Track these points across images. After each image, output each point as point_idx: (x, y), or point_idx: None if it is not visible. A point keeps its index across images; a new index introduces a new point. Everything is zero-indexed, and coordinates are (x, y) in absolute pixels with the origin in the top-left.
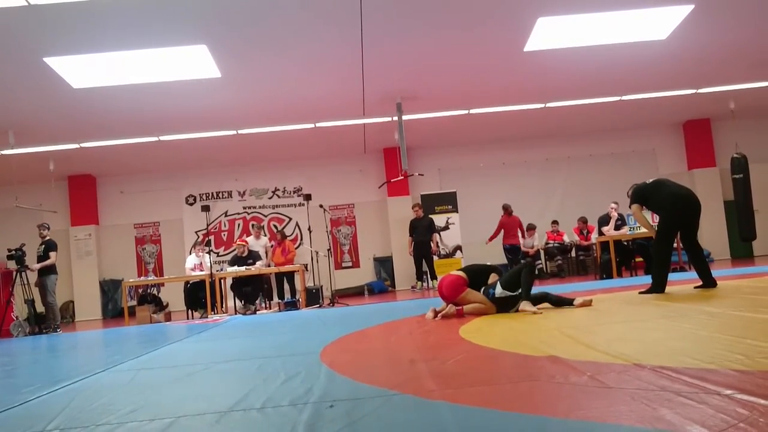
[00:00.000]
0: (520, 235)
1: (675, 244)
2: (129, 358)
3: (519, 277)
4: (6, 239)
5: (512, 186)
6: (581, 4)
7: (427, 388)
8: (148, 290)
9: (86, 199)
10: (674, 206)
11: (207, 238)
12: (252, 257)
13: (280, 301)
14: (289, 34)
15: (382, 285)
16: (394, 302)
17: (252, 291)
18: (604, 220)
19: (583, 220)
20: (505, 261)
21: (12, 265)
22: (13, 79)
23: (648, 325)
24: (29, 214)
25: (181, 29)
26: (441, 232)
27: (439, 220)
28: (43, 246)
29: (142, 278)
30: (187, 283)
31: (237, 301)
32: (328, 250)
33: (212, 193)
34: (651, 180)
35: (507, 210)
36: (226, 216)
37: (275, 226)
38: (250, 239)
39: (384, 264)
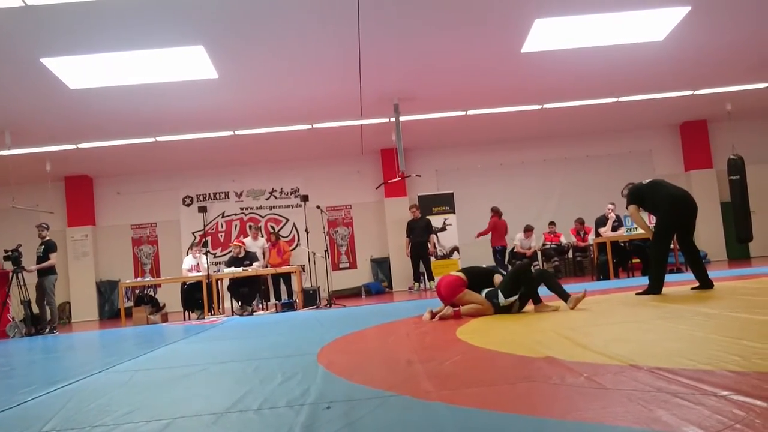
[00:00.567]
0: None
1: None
2: (126, 359)
3: (516, 280)
4: (2, 240)
5: (510, 187)
6: (578, 5)
7: (424, 389)
8: (145, 291)
9: (83, 200)
10: (671, 207)
11: (204, 239)
12: (249, 258)
13: (277, 302)
14: (286, 35)
15: (380, 286)
16: (391, 303)
17: (249, 292)
18: (601, 222)
19: (580, 221)
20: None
21: (8, 266)
22: (10, 79)
23: (644, 326)
24: (26, 214)
25: (178, 30)
26: (438, 233)
27: (436, 221)
28: (43, 246)
29: (139, 279)
30: (184, 284)
31: (234, 302)
32: (325, 251)
33: (209, 194)
34: (647, 181)
35: (498, 212)
36: (223, 217)
37: (272, 227)
38: (247, 240)
39: (381, 265)
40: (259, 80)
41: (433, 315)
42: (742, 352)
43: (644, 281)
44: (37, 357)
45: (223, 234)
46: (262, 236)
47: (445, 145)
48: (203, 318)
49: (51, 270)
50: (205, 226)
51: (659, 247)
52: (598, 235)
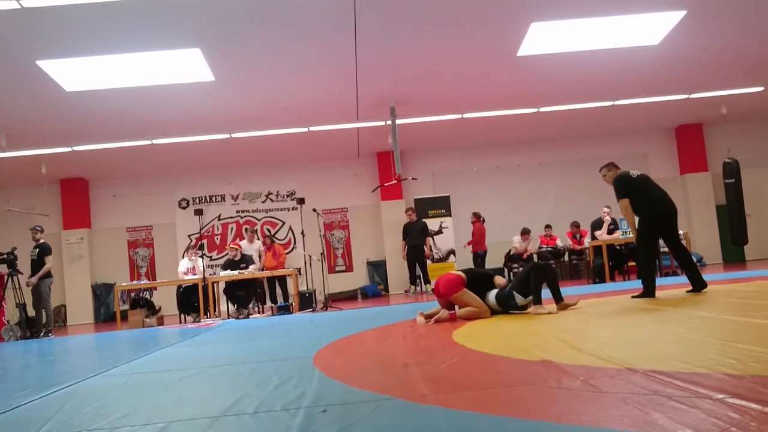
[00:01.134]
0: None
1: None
2: (121, 362)
3: (536, 278)
4: None
5: (506, 190)
6: (574, 9)
7: (420, 393)
8: (141, 294)
9: (78, 203)
10: (661, 210)
11: (200, 242)
12: (245, 261)
13: (273, 305)
14: (283, 38)
15: (376, 289)
16: (387, 306)
17: (245, 295)
18: (597, 225)
19: (576, 225)
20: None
21: (3, 269)
22: (6, 81)
23: (640, 330)
24: (21, 217)
25: (175, 33)
26: (434, 236)
27: (432, 224)
28: (38, 250)
29: (135, 282)
30: (179, 287)
31: (230, 305)
32: (322, 254)
33: (205, 197)
34: (636, 173)
35: (480, 217)
36: (219, 220)
37: (268, 230)
38: (243, 243)
39: (377, 268)
40: (255, 83)
41: (427, 317)
42: (738, 356)
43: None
44: (32, 360)
45: (219, 237)
46: (258, 239)
47: (441, 148)
48: (199, 321)
49: (47, 273)
50: (201, 228)
51: (648, 250)
52: (594, 238)
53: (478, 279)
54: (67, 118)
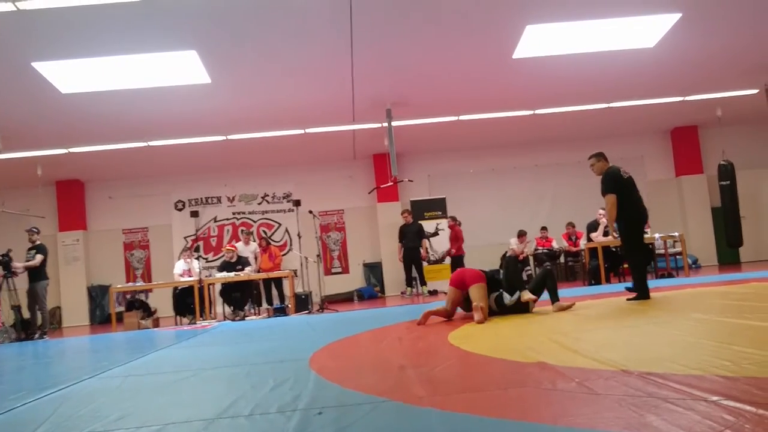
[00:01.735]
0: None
1: (664, 251)
2: (117, 364)
3: (543, 282)
4: None
5: (502, 192)
6: (569, 11)
7: (416, 395)
8: (136, 296)
9: (74, 205)
10: (642, 214)
11: (196, 244)
12: (241, 263)
13: (269, 307)
14: (279, 41)
15: (372, 291)
16: (383, 308)
17: (241, 297)
18: (592, 227)
19: (571, 225)
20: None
21: None
22: (1, 83)
23: (635, 331)
24: (16, 219)
25: (171, 35)
26: (430, 238)
27: (428, 226)
28: (34, 251)
29: (130, 284)
30: (175, 288)
31: (226, 307)
32: (318, 255)
33: (201, 199)
34: (625, 173)
35: (458, 221)
36: (215, 221)
37: (264, 231)
38: (239, 245)
39: (373, 270)
40: (251, 85)
41: (431, 314)
42: (733, 357)
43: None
44: (27, 362)
45: (215, 239)
46: (254, 241)
47: (437, 150)
48: (195, 323)
49: (42, 275)
50: (197, 230)
51: (641, 252)
52: (589, 240)
53: (491, 280)
54: (62, 119)
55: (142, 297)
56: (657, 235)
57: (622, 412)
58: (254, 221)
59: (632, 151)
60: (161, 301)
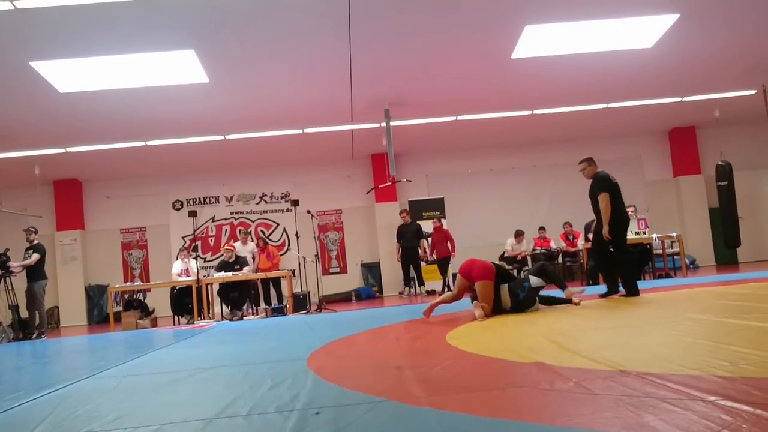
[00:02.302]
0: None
1: (662, 251)
2: (114, 364)
3: (541, 272)
4: None
5: (500, 192)
6: (568, 12)
7: (414, 395)
8: (134, 296)
9: (72, 204)
10: (626, 220)
11: (194, 244)
12: (239, 263)
13: (266, 307)
14: (277, 40)
15: (370, 291)
16: (381, 308)
17: (239, 297)
18: (590, 227)
19: (569, 224)
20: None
21: None
22: None
23: (633, 332)
24: (13, 218)
25: (169, 34)
26: (428, 238)
27: (426, 226)
28: (31, 250)
29: (128, 284)
30: (173, 288)
31: (224, 306)
32: (316, 255)
33: (199, 199)
34: (613, 178)
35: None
36: (213, 221)
37: (262, 231)
38: (237, 245)
39: (371, 270)
40: (249, 85)
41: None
42: (730, 358)
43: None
44: (24, 362)
45: (213, 238)
46: (252, 241)
47: (435, 150)
48: (193, 323)
49: (40, 275)
50: (195, 230)
51: (627, 254)
52: (587, 240)
53: (501, 275)
54: (60, 119)
55: (140, 297)
56: (655, 236)
57: (619, 412)
58: (252, 221)
59: (630, 151)
60: (159, 301)
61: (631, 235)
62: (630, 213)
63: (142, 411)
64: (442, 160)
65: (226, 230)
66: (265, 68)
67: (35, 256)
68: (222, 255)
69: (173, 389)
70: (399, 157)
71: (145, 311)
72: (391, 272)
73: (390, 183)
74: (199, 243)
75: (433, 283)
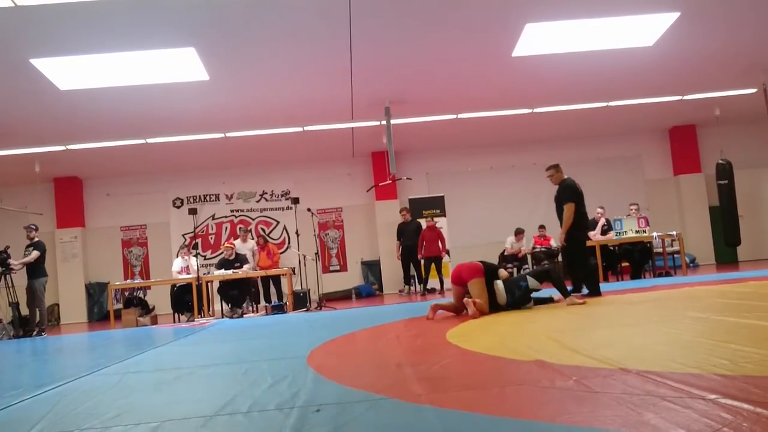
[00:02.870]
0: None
1: (662, 250)
2: (114, 361)
3: (544, 275)
4: None
5: (500, 190)
6: (569, 10)
7: (414, 393)
8: (135, 293)
9: (72, 202)
10: (589, 227)
11: (194, 242)
12: (239, 260)
13: (267, 304)
14: (278, 38)
15: (370, 289)
16: (381, 306)
17: (239, 294)
18: (590, 225)
19: None
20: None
21: None
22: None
23: (633, 330)
24: (14, 216)
25: (170, 32)
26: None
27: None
28: (32, 248)
29: (129, 281)
30: (173, 286)
31: (224, 304)
32: (316, 253)
33: (199, 196)
34: (579, 186)
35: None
36: (213, 219)
37: (263, 229)
38: (237, 242)
39: (372, 268)
40: (250, 82)
41: (439, 308)
42: (730, 356)
43: (633, 284)
44: (25, 359)
45: (213, 236)
46: (252, 238)
47: (435, 148)
48: (193, 320)
49: (41, 272)
50: (195, 228)
51: (591, 259)
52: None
53: (489, 271)
54: (61, 116)
55: (140, 294)
56: (655, 234)
57: (620, 410)
58: (252, 219)
59: (630, 149)
60: (159, 299)
61: (631, 234)
62: (632, 211)
63: (142, 408)
64: (442, 158)
65: (226, 228)
66: (266, 66)
67: (35, 254)
68: (222, 253)
69: (173, 387)
70: (399, 155)
71: (146, 309)
72: (392, 270)
73: (390, 181)
74: (199, 241)
75: (433, 281)
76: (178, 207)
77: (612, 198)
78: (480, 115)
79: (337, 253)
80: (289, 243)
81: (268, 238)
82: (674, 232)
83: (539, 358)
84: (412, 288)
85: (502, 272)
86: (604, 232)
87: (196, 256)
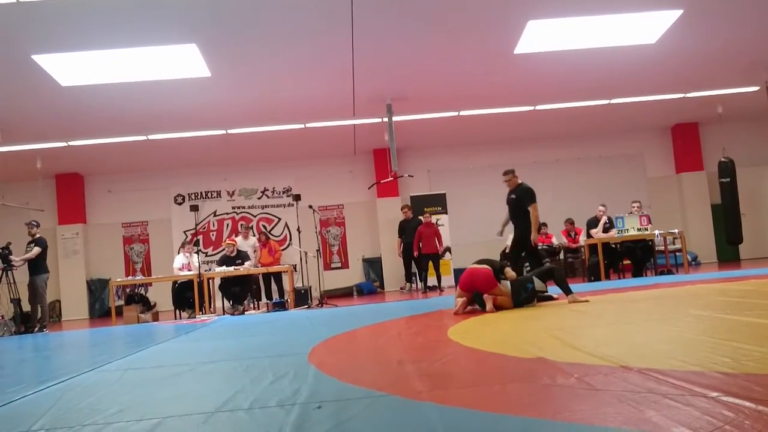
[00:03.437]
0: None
1: (664, 248)
2: (116, 358)
3: (548, 275)
4: None
5: (501, 188)
6: (571, 7)
7: (415, 390)
8: (136, 290)
9: (74, 198)
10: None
11: (195, 238)
12: (240, 257)
13: (268, 301)
14: (279, 35)
15: (371, 286)
16: (382, 303)
17: (240, 291)
18: (592, 223)
19: (570, 222)
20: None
21: None
22: (1, 76)
23: (635, 328)
24: (16, 212)
25: (171, 28)
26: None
27: None
28: (33, 244)
29: (130, 278)
30: (175, 283)
31: (225, 301)
32: (317, 250)
33: (201, 193)
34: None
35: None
36: (214, 216)
37: (264, 226)
38: (238, 239)
39: (373, 265)
40: (251, 79)
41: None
42: (732, 354)
43: (635, 282)
44: (26, 355)
45: (214, 233)
46: (254, 235)
47: (437, 145)
48: (194, 317)
49: (42, 268)
50: (196, 224)
51: (540, 257)
52: (589, 236)
53: (495, 271)
54: (62, 112)
55: (142, 291)
56: (657, 232)
57: (621, 407)
58: (254, 216)
59: (633, 147)
60: (161, 295)
61: (633, 232)
62: (634, 209)
63: (143, 404)
64: (444, 155)
65: (227, 225)
66: (268, 62)
67: (36, 250)
68: (223, 249)
69: (175, 383)
70: (401, 152)
71: (147, 305)
72: (393, 267)
73: (392, 178)
74: (200, 237)
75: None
76: (180, 203)
77: (614, 195)
78: (482, 113)
79: (338, 250)
80: (290, 240)
81: (269, 235)
82: (676, 230)
83: (541, 355)
84: (414, 285)
85: (510, 272)
86: (605, 230)
87: (197, 252)
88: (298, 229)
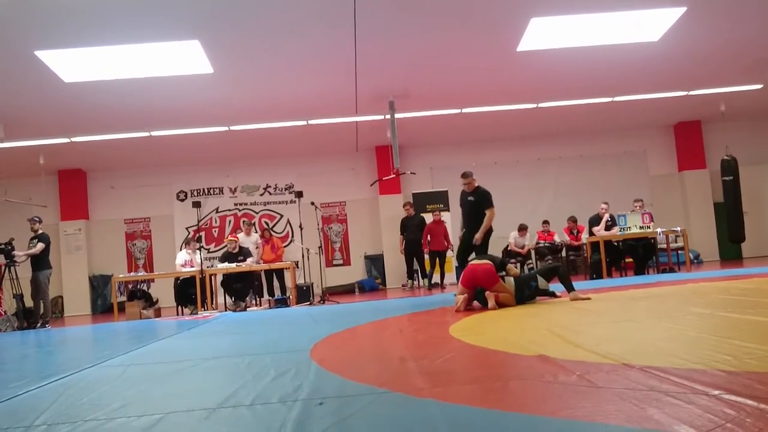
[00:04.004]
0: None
1: (666, 246)
2: (118, 353)
3: (552, 273)
4: None
5: (504, 185)
6: (574, 5)
7: (417, 386)
8: (138, 286)
9: (76, 194)
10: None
11: (198, 235)
12: (243, 254)
13: (270, 298)
14: (282, 31)
15: (373, 283)
16: (384, 300)
17: (242, 288)
18: (594, 221)
19: (573, 220)
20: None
21: (0, 259)
22: (4, 72)
23: (636, 326)
24: (19, 208)
25: (174, 24)
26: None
27: (430, 218)
28: (36, 240)
29: (132, 274)
30: (177, 279)
31: (227, 297)
32: (319, 247)
33: (203, 189)
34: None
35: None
36: (217, 212)
37: (266, 222)
38: (240, 236)
39: (375, 262)
40: (254, 76)
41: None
42: (734, 352)
43: (637, 280)
44: (29, 351)
45: (216, 229)
46: (256, 232)
47: (440, 142)
48: (196, 313)
49: (45, 264)
50: (198, 221)
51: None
52: (591, 234)
53: (497, 267)
54: (65, 109)
55: (144, 287)
56: (659, 230)
57: (623, 405)
58: (256, 212)
59: (635, 145)
60: (163, 292)
61: (635, 230)
62: (636, 207)
63: (146, 400)
64: (446, 152)
65: (230, 221)
66: (270, 59)
67: (39, 246)
68: (226, 246)
69: (177, 379)
70: (403, 149)
71: (149, 301)
72: (395, 264)
73: (394, 175)
74: (202, 234)
75: (436, 275)
76: (182, 200)
77: (616, 193)
78: (484, 110)
79: (340, 247)
80: (292, 237)
81: (272, 232)
82: (678, 228)
83: (542, 352)
84: (415, 282)
85: (512, 269)
86: (608, 228)
87: (199, 249)
88: (300, 226)
